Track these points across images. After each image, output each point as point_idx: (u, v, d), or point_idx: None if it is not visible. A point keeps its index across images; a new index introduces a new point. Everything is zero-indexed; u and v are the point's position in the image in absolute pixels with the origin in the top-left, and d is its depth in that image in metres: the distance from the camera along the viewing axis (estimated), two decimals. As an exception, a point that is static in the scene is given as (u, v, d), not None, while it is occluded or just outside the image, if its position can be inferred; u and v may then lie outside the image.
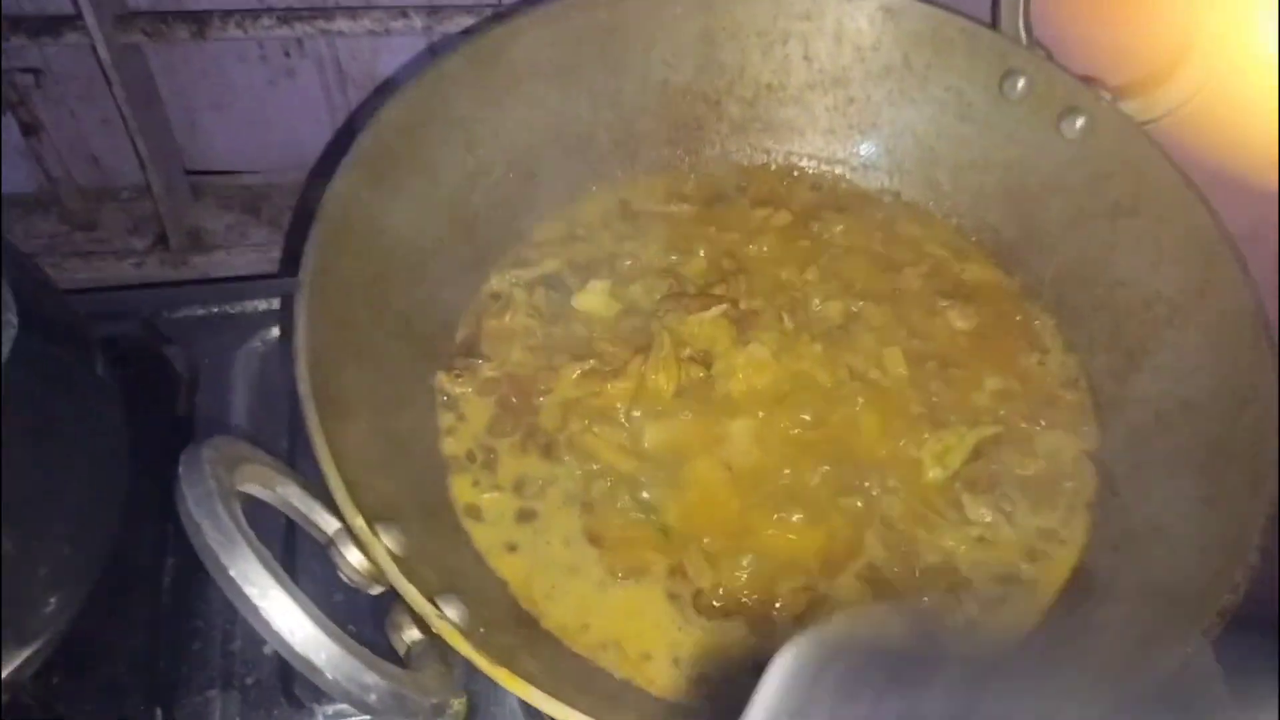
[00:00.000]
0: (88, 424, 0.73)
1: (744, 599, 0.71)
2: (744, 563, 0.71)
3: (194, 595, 0.80)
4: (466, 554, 0.72)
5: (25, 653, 0.65)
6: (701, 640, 0.70)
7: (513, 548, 0.73)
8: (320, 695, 0.77)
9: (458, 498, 0.74)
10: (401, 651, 0.58)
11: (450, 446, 0.77)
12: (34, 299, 0.72)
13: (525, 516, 0.74)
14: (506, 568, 0.72)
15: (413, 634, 0.57)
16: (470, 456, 0.76)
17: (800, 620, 0.70)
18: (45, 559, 0.66)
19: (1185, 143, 0.77)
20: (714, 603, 0.70)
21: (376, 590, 0.60)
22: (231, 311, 0.95)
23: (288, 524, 0.64)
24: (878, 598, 0.71)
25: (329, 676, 0.47)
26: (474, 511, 0.74)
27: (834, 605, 0.71)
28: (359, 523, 0.58)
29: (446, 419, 0.78)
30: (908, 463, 0.77)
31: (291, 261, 0.98)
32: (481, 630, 0.61)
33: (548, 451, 0.76)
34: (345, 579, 0.60)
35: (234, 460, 0.52)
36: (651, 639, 0.70)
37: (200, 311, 0.95)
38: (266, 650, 0.79)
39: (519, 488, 0.75)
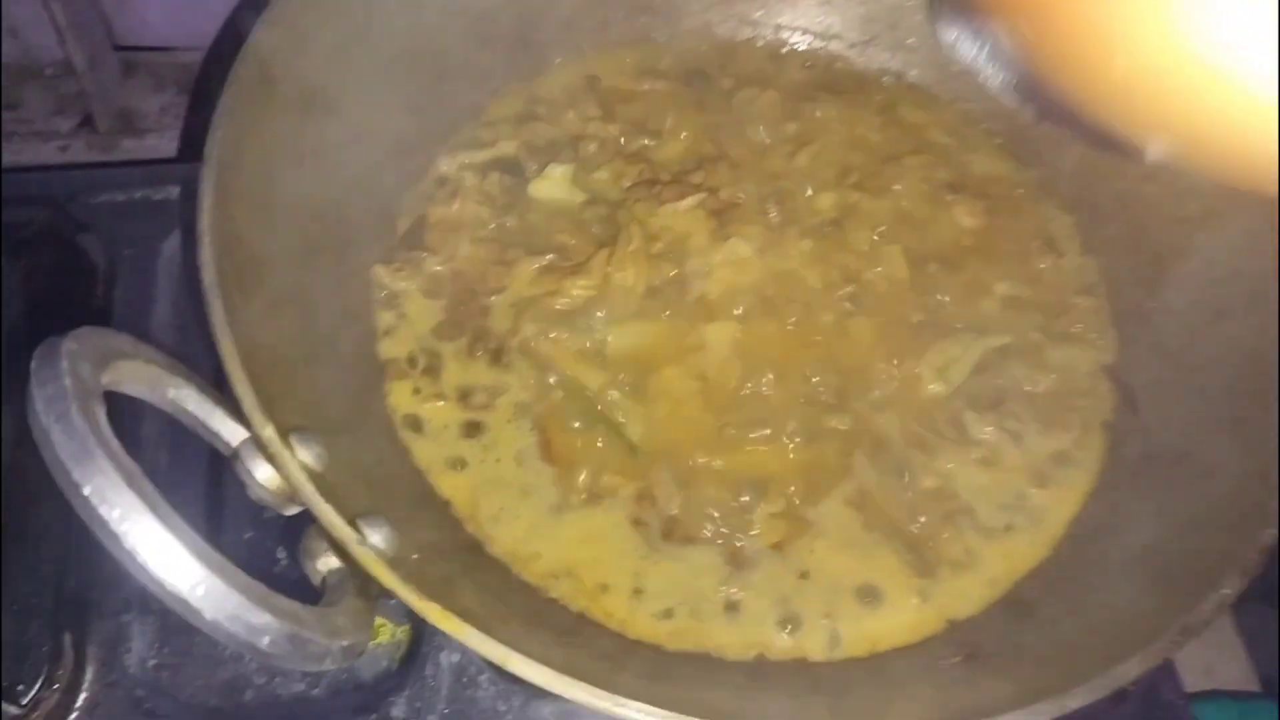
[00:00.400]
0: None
1: (717, 526, 0.63)
2: (718, 486, 0.63)
3: (108, 511, 0.72)
4: (403, 471, 0.64)
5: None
6: (669, 570, 0.62)
7: (458, 465, 0.65)
8: (248, 622, 0.70)
9: (395, 407, 0.66)
10: (316, 582, 0.50)
11: (388, 349, 0.68)
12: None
13: (472, 430, 0.66)
14: (449, 487, 0.64)
15: (329, 562, 0.49)
16: (411, 361, 0.68)
17: (779, 549, 0.63)
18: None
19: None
20: (683, 530, 0.63)
21: (291, 510, 0.52)
22: (155, 198, 0.85)
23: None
24: (867, 526, 0.63)
25: (208, 617, 0.39)
26: (414, 423, 0.66)
27: (817, 533, 0.63)
28: (268, 433, 0.50)
29: (385, 318, 0.69)
30: (904, 376, 0.68)
31: (194, 143, 0.88)
32: (415, 558, 0.53)
33: (497, 357, 0.67)
34: (255, 498, 0.51)
35: (106, 356, 0.44)
36: (611, 568, 0.62)
37: (120, 197, 0.85)
38: (189, 572, 0.71)
39: (465, 397, 0.67)
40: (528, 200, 0.73)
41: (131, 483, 0.38)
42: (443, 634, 0.69)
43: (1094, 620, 0.58)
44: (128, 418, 0.73)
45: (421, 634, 0.71)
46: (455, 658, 0.70)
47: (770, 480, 0.64)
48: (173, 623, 0.70)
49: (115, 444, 0.39)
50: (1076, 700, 0.50)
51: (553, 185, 0.73)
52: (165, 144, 1.01)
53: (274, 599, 0.41)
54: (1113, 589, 0.60)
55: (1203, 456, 0.61)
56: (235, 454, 0.51)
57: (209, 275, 0.54)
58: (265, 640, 0.40)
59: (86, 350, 0.42)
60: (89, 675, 0.68)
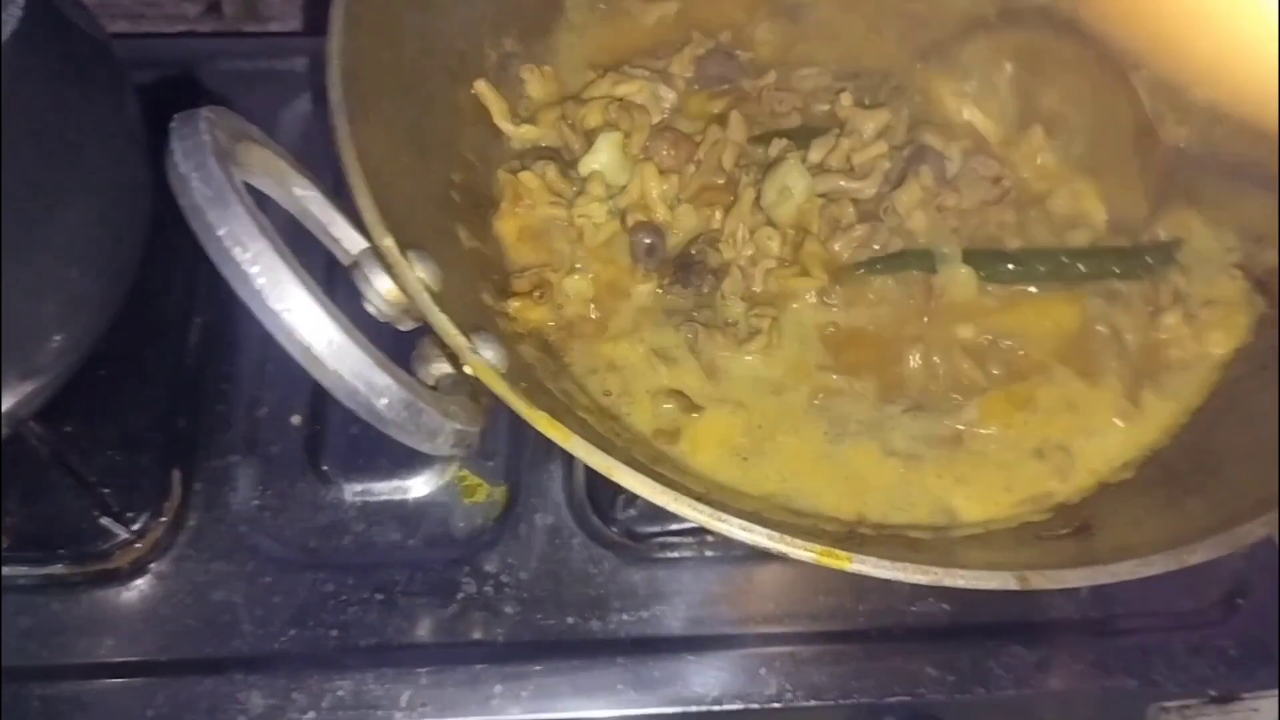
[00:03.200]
0: (110, 152, 0.66)
1: None
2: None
3: (220, 357, 0.75)
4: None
5: (25, 389, 0.59)
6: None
7: None
8: (350, 471, 0.71)
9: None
10: (429, 385, 0.50)
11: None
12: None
13: None
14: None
15: (442, 367, 0.50)
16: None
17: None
18: (52, 289, 0.60)
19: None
20: None
21: (405, 325, 0.53)
22: (279, 68, 0.87)
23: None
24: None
25: (330, 368, 0.39)
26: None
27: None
28: (388, 243, 0.51)
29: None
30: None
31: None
32: (523, 385, 0.53)
33: None
34: (372, 309, 0.52)
35: (239, 134, 0.44)
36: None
37: (245, 66, 0.87)
38: (294, 420, 0.73)
39: None
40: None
41: (264, 231, 0.39)
42: (538, 496, 0.71)
43: (1214, 501, 0.56)
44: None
45: (517, 495, 0.72)
46: (549, 519, 0.71)
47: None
48: (276, 467, 0.72)
49: (249, 199, 0.40)
50: (1196, 555, 0.48)
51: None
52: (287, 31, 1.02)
53: (395, 368, 0.42)
54: (1235, 473, 0.58)
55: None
56: (355, 263, 0.51)
57: (335, 94, 0.55)
58: (383, 401, 0.40)
59: (222, 122, 0.43)
60: (194, 510, 0.70)
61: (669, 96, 0.72)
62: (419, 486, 0.71)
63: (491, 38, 0.72)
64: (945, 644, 0.68)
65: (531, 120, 0.72)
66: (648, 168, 0.68)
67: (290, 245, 0.55)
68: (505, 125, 0.71)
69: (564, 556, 0.70)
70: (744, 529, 0.46)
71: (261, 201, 0.51)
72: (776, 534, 0.46)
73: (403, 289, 0.51)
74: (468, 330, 0.50)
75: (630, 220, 0.68)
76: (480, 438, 0.48)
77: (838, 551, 0.46)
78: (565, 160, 0.71)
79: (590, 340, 0.65)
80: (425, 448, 0.43)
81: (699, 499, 0.47)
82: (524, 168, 0.69)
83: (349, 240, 0.52)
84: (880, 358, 0.64)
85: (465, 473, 0.72)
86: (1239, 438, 0.60)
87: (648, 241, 0.67)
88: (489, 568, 0.69)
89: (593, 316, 0.66)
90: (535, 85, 0.73)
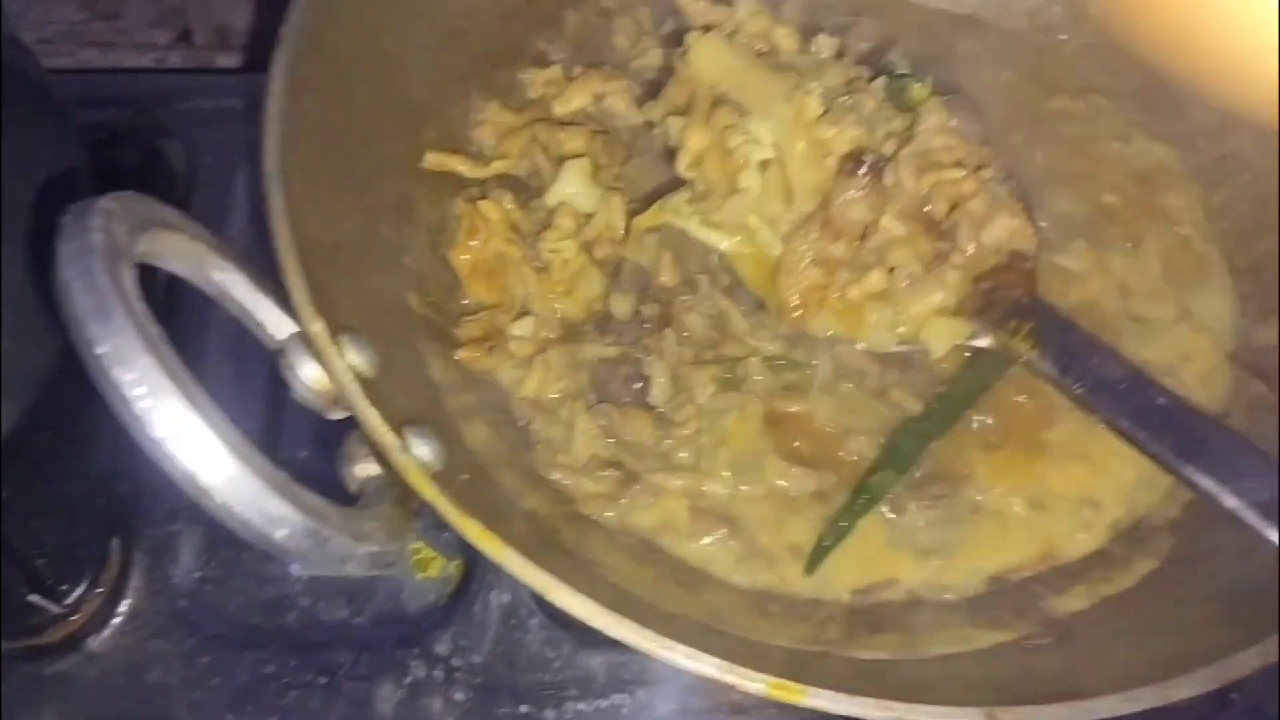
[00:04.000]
0: (44, 204, 0.62)
1: None
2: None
3: (166, 417, 0.71)
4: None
5: (-46, 454, 0.56)
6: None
7: None
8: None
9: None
10: (352, 488, 0.46)
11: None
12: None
13: None
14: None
15: (368, 469, 0.46)
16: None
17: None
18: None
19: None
20: None
21: (336, 415, 0.49)
22: (240, 107, 0.83)
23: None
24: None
25: (218, 500, 0.36)
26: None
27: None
28: (317, 328, 0.47)
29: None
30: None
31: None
32: (464, 478, 0.50)
33: None
34: (299, 399, 0.48)
35: (146, 222, 0.41)
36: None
37: (208, 105, 0.83)
38: (243, 486, 0.69)
39: None
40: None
41: (151, 348, 0.35)
42: (495, 572, 0.68)
43: (1201, 614, 0.52)
44: (194, 328, 0.71)
45: (473, 571, 0.68)
46: (505, 598, 0.67)
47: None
48: (220, 536, 0.67)
49: (141, 306, 0.36)
50: (1182, 690, 0.44)
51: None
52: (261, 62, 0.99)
53: (297, 490, 0.38)
54: (1230, 581, 0.54)
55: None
56: (281, 349, 0.48)
57: (271, 162, 0.51)
58: (282, 532, 0.37)
59: (125, 213, 0.39)
60: (133, 582, 0.67)
61: None
62: (369, 560, 0.67)
63: (458, 89, 0.68)
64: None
65: (499, 155, 0.67)
66: (614, 198, 0.64)
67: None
68: (477, 173, 0.66)
69: (520, 638, 0.66)
70: (689, 657, 0.43)
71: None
72: (725, 664, 0.43)
73: (330, 378, 0.47)
74: (400, 423, 0.47)
75: (598, 254, 0.64)
76: (403, 553, 0.44)
77: (790, 684, 0.42)
78: (530, 190, 0.66)
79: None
80: (333, 572, 0.40)
81: (644, 622, 0.43)
82: (483, 196, 0.65)
83: (275, 324, 0.48)
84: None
85: (419, 545, 0.68)
86: (1235, 540, 0.55)
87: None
88: (440, 649, 0.65)
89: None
90: (488, 132, 0.69)
